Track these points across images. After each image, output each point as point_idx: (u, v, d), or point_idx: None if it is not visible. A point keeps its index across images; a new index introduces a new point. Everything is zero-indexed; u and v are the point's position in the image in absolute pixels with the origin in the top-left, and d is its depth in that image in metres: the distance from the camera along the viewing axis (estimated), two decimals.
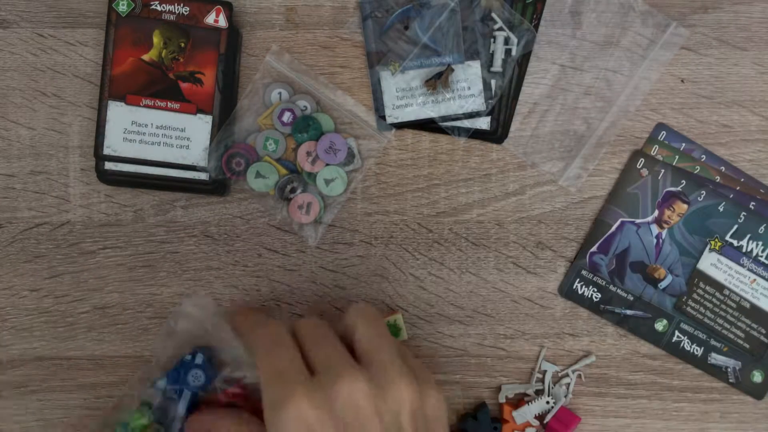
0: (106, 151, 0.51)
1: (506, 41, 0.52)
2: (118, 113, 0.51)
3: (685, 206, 0.52)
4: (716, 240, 0.52)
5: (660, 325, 0.53)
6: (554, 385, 0.54)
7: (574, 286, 0.53)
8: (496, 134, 0.53)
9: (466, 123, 0.53)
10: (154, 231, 0.54)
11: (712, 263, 0.53)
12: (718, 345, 0.53)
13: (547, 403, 0.53)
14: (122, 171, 0.52)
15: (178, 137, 0.51)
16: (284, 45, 0.53)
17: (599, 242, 0.53)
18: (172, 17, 0.51)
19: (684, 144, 0.53)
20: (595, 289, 0.53)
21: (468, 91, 0.52)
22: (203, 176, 0.52)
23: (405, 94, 0.52)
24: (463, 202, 0.54)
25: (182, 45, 0.51)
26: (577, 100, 0.54)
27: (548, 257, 0.54)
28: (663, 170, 0.53)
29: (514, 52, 0.52)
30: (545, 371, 0.54)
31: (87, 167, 0.54)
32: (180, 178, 0.52)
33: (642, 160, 0.53)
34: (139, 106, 0.51)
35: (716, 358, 0.53)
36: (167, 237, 0.54)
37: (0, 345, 0.54)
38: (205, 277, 0.54)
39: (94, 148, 0.51)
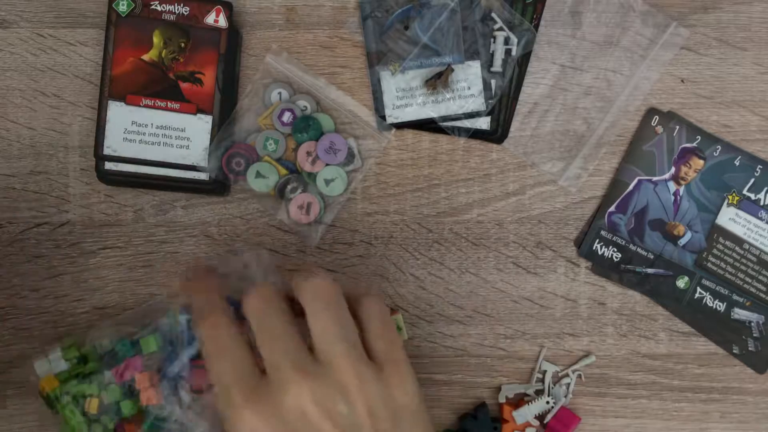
0: (106, 151, 0.51)
1: (506, 41, 0.52)
2: (118, 113, 0.51)
3: (702, 162, 0.52)
4: (734, 194, 0.52)
5: (681, 283, 0.53)
6: (554, 385, 0.54)
7: (594, 247, 0.53)
8: (496, 134, 0.53)
9: (466, 123, 0.53)
10: (154, 231, 0.54)
11: (730, 218, 0.52)
12: (741, 300, 0.53)
13: (547, 403, 0.53)
14: (122, 171, 0.52)
15: (178, 137, 0.51)
16: (284, 45, 0.53)
17: (617, 202, 0.53)
18: (172, 17, 0.51)
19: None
20: (615, 249, 0.53)
21: (468, 91, 0.52)
22: (203, 176, 0.52)
23: (405, 94, 0.52)
24: (463, 202, 0.54)
25: (182, 45, 0.51)
26: (577, 100, 0.54)
27: (548, 257, 0.54)
28: (677, 127, 0.52)
29: (514, 52, 0.52)
30: (545, 371, 0.54)
31: (87, 167, 0.54)
32: (180, 178, 0.52)
33: (656, 117, 0.53)
34: (139, 106, 0.51)
35: (739, 313, 0.53)
36: (167, 237, 0.54)
37: (0, 345, 0.54)
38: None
39: (94, 148, 0.51)
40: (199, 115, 0.51)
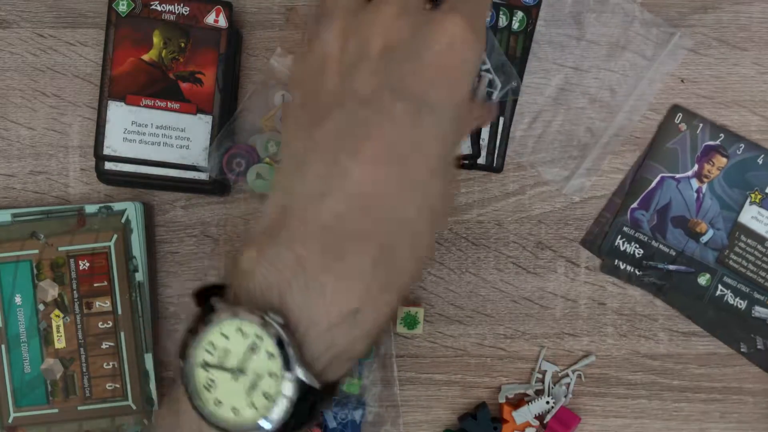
0: (106, 151, 0.51)
1: (490, 84, 0.52)
2: (118, 113, 0.51)
3: (725, 160, 0.52)
4: (756, 193, 0.52)
5: (703, 280, 0.53)
6: (554, 385, 0.54)
7: (616, 243, 0.53)
8: (493, 167, 0.53)
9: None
10: (155, 231, 0.54)
11: (752, 216, 0.52)
12: (762, 298, 0.53)
13: (547, 403, 0.53)
14: (122, 171, 0.52)
15: (178, 137, 0.51)
16: (284, 45, 0.53)
17: (640, 198, 0.53)
18: (172, 17, 0.51)
19: None
20: (637, 245, 0.53)
21: None
22: (203, 176, 0.52)
23: None
24: (463, 202, 0.54)
25: (182, 45, 0.51)
26: (580, 110, 0.54)
27: (548, 257, 0.54)
28: (701, 124, 0.53)
29: (494, 97, 0.52)
30: (545, 371, 0.54)
31: (87, 167, 0.54)
32: (180, 178, 0.52)
33: (680, 115, 0.53)
34: (139, 106, 0.51)
35: (760, 311, 0.53)
36: (167, 237, 0.54)
37: None
38: (205, 277, 0.54)
39: (94, 148, 0.51)
40: (199, 115, 0.51)
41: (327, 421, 0.51)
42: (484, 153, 0.53)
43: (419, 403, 0.54)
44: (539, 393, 0.54)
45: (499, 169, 0.53)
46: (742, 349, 0.53)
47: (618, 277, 0.54)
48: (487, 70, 0.51)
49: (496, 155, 0.53)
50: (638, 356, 0.54)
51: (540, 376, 0.54)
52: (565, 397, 0.54)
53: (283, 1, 0.54)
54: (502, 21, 0.52)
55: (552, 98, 0.54)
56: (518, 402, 0.54)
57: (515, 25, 0.52)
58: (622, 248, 0.53)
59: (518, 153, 0.54)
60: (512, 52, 0.53)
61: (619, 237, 0.53)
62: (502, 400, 0.54)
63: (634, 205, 0.53)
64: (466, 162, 0.53)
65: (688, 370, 0.54)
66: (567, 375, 0.54)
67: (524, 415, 0.53)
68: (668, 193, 0.53)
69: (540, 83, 0.54)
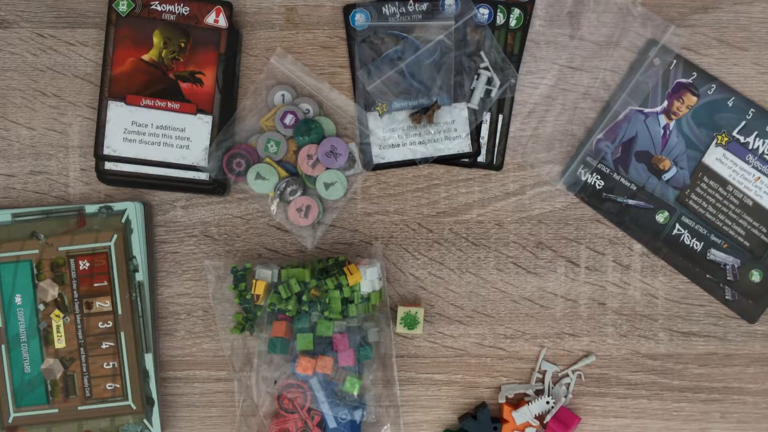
0: (106, 151, 0.51)
1: (489, 81, 0.52)
2: (118, 113, 0.51)
3: (695, 98, 0.52)
4: (723, 135, 0.52)
5: (661, 217, 0.53)
6: (554, 385, 0.54)
7: (578, 172, 0.53)
8: (493, 165, 0.53)
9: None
10: (154, 231, 0.54)
11: (717, 158, 0.52)
12: (719, 241, 0.53)
13: (547, 403, 0.53)
14: (122, 171, 0.52)
15: (178, 137, 0.51)
16: (284, 45, 0.53)
17: (606, 129, 0.53)
18: (172, 17, 0.51)
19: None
20: (599, 177, 0.53)
21: (455, 132, 0.52)
22: (203, 176, 0.52)
23: (392, 135, 0.53)
24: (463, 202, 0.54)
25: (182, 45, 0.51)
26: (576, 102, 0.54)
27: (548, 257, 0.54)
28: (675, 61, 0.52)
29: (493, 94, 0.52)
30: (545, 371, 0.54)
31: (87, 167, 0.54)
32: (180, 178, 0.52)
33: (655, 49, 0.52)
34: (139, 106, 0.51)
35: (715, 254, 0.53)
36: (167, 237, 0.54)
37: None
38: (205, 277, 0.54)
39: (94, 148, 0.52)
40: (199, 115, 0.51)
41: (327, 421, 0.51)
42: (483, 151, 0.53)
43: (419, 403, 0.54)
44: (539, 393, 0.54)
45: (499, 167, 0.53)
46: (728, 277, 0.53)
47: (596, 208, 0.53)
48: (486, 68, 0.51)
49: (495, 153, 0.53)
50: (638, 356, 0.54)
51: (540, 376, 0.54)
52: (565, 397, 0.54)
53: (283, 1, 0.54)
54: (500, 19, 0.52)
55: (546, 95, 0.54)
56: (518, 402, 0.54)
57: (512, 23, 0.52)
58: (583, 178, 0.53)
59: (513, 149, 0.54)
60: (510, 49, 0.53)
61: (582, 166, 0.53)
62: (502, 400, 0.54)
63: (600, 135, 0.53)
64: (466, 160, 0.53)
65: (688, 370, 0.54)
66: (567, 375, 0.54)
67: (524, 415, 0.53)
68: (635, 126, 0.52)
69: (534, 80, 0.54)
